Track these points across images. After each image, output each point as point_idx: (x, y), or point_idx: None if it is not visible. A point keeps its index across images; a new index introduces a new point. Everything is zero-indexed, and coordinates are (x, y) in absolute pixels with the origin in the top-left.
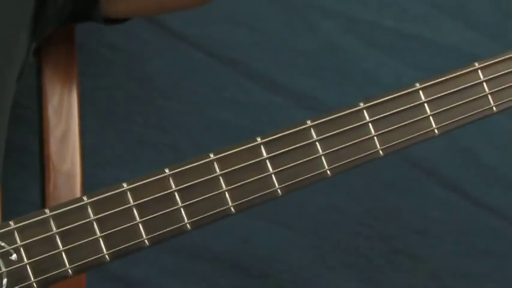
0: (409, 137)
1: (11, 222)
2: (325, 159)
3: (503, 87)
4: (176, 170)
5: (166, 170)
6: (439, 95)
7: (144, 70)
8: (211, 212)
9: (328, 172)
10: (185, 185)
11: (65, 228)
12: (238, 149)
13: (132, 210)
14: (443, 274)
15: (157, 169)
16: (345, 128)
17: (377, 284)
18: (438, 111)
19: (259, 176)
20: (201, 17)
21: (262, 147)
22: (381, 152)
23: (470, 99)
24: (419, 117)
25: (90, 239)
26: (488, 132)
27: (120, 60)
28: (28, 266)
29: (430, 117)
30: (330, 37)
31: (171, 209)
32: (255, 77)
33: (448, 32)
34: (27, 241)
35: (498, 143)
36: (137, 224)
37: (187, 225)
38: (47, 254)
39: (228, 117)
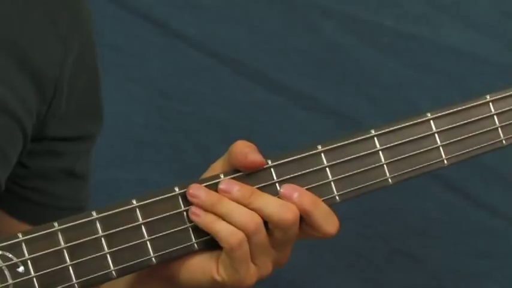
0: (418, 167)
1: (19, 234)
2: (335, 185)
3: None
4: (185, 190)
5: (176, 189)
6: (450, 126)
7: (144, 70)
8: None
9: (337, 198)
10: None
11: (73, 243)
12: (247, 172)
13: (141, 228)
14: (443, 274)
15: (158, 168)
16: (355, 155)
17: (377, 284)
18: (448, 142)
19: None
20: (201, 17)
21: (272, 170)
22: (390, 180)
23: (481, 131)
24: (429, 148)
25: (97, 254)
26: None
27: (120, 60)
28: (35, 279)
29: (440, 148)
30: (330, 37)
31: (180, 228)
32: (255, 77)
33: (448, 32)
34: (35, 254)
35: None
36: (145, 242)
37: (195, 244)
38: (54, 268)
39: (228, 117)
